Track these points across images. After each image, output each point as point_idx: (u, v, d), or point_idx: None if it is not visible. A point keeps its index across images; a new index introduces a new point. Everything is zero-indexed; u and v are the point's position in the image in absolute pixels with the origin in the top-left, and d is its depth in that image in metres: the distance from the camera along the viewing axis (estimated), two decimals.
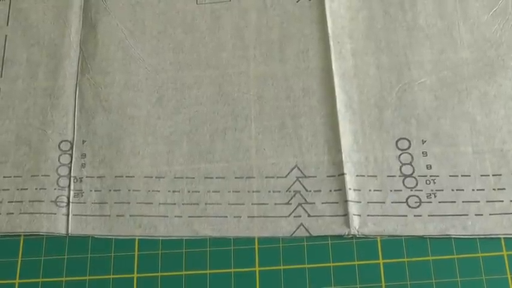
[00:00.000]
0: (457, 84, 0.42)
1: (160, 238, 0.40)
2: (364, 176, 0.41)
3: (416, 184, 0.40)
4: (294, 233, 0.40)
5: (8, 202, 0.42)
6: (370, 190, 0.40)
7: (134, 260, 0.40)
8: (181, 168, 0.42)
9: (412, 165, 0.41)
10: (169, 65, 0.44)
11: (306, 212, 0.40)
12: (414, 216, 0.39)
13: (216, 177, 0.42)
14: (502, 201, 0.39)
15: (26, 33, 0.46)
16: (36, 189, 0.42)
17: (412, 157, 0.41)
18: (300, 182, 0.41)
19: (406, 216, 0.40)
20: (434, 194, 0.40)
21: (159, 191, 0.41)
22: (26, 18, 0.47)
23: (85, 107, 0.44)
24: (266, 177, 0.41)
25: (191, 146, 0.42)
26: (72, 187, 0.42)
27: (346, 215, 0.40)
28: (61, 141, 0.43)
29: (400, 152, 0.41)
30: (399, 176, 0.40)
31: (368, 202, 0.40)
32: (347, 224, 0.40)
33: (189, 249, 0.40)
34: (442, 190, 0.40)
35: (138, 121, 0.43)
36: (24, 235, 0.41)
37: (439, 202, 0.40)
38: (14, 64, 0.45)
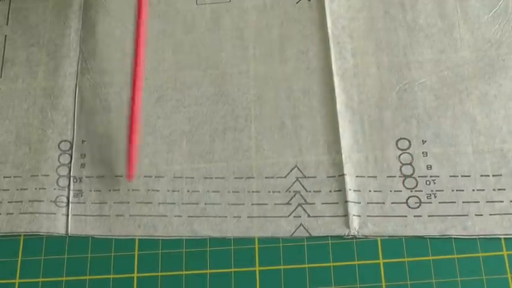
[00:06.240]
0: (457, 84, 0.42)
1: (160, 238, 0.40)
2: (364, 176, 0.41)
3: (416, 185, 0.40)
4: (293, 233, 0.40)
5: (8, 202, 0.42)
6: (370, 191, 0.40)
7: (134, 260, 0.40)
8: (181, 168, 0.42)
9: (412, 166, 0.41)
10: (168, 65, 0.44)
11: (306, 212, 0.40)
12: (414, 216, 0.39)
13: (216, 177, 0.41)
14: (502, 201, 0.39)
15: (25, 33, 0.46)
16: (35, 189, 0.42)
17: (412, 157, 0.41)
18: (299, 182, 0.41)
19: (406, 216, 0.40)
20: (434, 194, 0.40)
21: (158, 191, 0.41)
22: (26, 18, 0.47)
23: (85, 106, 0.44)
24: (266, 178, 0.41)
25: (191, 146, 0.42)
26: (71, 187, 0.42)
27: (346, 215, 0.40)
28: (61, 141, 0.43)
29: (400, 152, 0.41)
30: (399, 177, 0.40)
31: (368, 203, 0.40)
32: (347, 224, 0.40)
33: (189, 249, 0.40)
34: (442, 190, 0.40)
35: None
36: (24, 235, 0.41)
37: (439, 202, 0.40)
38: (14, 64, 0.45)
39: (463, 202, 0.40)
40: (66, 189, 0.42)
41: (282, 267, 0.39)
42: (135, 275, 0.40)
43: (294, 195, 0.41)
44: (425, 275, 0.38)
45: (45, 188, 0.42)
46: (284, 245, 0.40)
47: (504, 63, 0.42)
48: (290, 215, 0.40)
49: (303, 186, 0.41)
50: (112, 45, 0.45)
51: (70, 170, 0.42)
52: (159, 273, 0.40)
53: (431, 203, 0.40)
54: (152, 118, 0.43)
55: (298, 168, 0.41)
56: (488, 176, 0.40)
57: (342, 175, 0.41)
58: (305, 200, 0.40)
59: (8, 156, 0.43)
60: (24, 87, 0.45)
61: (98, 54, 0.45)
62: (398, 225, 0.39)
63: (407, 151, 0.41)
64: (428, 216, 0.39)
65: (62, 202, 0.42)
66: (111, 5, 0.46)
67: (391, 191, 0.40)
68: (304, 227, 0.40)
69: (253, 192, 0.41)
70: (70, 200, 0.42)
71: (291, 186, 0.41)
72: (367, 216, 0.40)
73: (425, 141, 0.41)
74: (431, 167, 0.41)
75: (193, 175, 0.42)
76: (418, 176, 0.40)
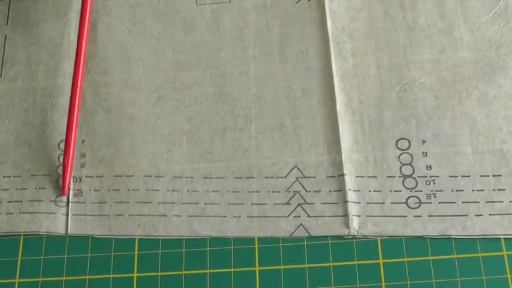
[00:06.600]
0: (457, 85, 0.42)
1: (160, 238, 0.40)
2: (364, 176, 0.41)
3: (416, 185, 0.40)
4: (293, 233, 0.40)
5: (8, 202, 0.42)
6: (369, 191, 0.40)
7: (134, 259, 0.40)
8: (181, 168, 0.42)
9: (412, 166, 0.41)
10: (168, 64, 0.44)
11: (306, 212, 0.40)
12: (414, 216, 0.39)
13: (216, 177, 0.41)
14: (502, 201, 0.39)
15: (25, 33, 0.46)
16: (35, 188, 0.42)
17: (412, 157, 0.41)
18: (299, 182, 0.41)
19: (406, 216, 0.40)
20: (434, 194, 0.40)
21: (158, 190, 0.41)
22: (26, 18, 0.47)
23: (84, 106, 0.44)
24: (265, 178, 0.41)
25: (190, 146, 0.42)
26: (71, 187, 0.42)
27: (345, 215, 0.40)
28: (60, 141, 0.43)
29: (400, 152, 0.41)
30: (399, 177, 0.40)
31: (368, 203, 0.40)
32: (347, 224, 0.40)
33: (189, 249, 0.40)
34: (442, 191, 0.40)
35: (137, 120, 0.43)
36: (23, 235, 0.41)
37: (439, 203, 0.40)
38: (14, 64, 0.45)
39: (463, 202, 0.40)
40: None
41: (281, 267, 0.39)
42: (135, 274, 0.40)
43: (294, 195, 0.41)
44: (425, 275, 0.38)
45: (45, 188, 0.42)
46: (284, 245, 0.40)
47: (504, 64, 0.42)
48: (290, 215, 0.40)
49: (302, 186, 0.41)
50: (112, 45, 0.45)
51: None
52: (159, 273, 0.40)
53: (431, 203, 0.40)
54: (152, 118, 0.43)
55: (298, 168, 0.41)
56: (488, 176, 0.40)
57: (342, 175, 0.41)
58: (305, 200, 0.40)
59: (8, 156, 0.43)
60: (24, 86, 0.45)
61: (98, 54, 0.45)
62: (398, 225, 0.39)
63: (407, 151, 0.41)
64: (428, 216, 0.39)
65: (61, 202, 0.42)
66: (111, 5, 0.46)
67: (390, 191, 0.40)
68: (304, 227, 0.40)
69: (253, 192, 0.41)
70: (70, 199, 0.42)
71: (291, 186, 0.41)
72: (367, 216, 0.40)
73: (425, 142, 0.41)
74: (431, 167, 0.41)
75: (193, 175, 0.42)
76: (418, 176, 0.40)
